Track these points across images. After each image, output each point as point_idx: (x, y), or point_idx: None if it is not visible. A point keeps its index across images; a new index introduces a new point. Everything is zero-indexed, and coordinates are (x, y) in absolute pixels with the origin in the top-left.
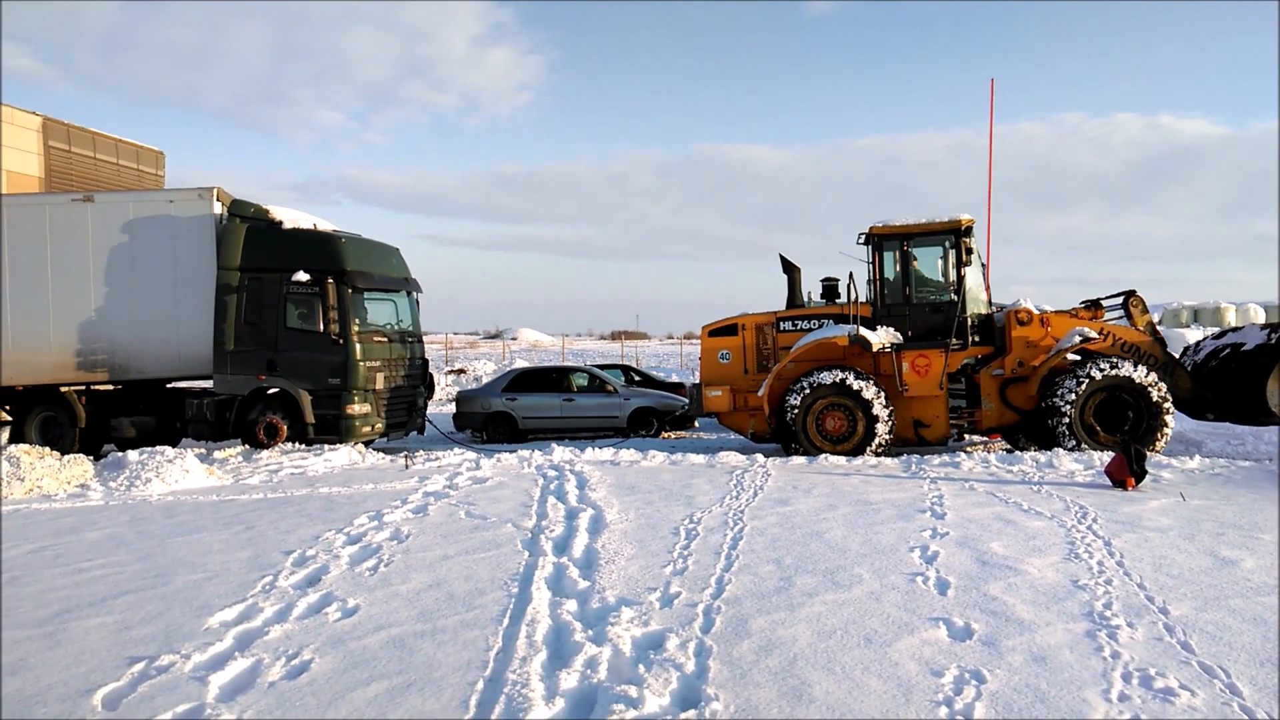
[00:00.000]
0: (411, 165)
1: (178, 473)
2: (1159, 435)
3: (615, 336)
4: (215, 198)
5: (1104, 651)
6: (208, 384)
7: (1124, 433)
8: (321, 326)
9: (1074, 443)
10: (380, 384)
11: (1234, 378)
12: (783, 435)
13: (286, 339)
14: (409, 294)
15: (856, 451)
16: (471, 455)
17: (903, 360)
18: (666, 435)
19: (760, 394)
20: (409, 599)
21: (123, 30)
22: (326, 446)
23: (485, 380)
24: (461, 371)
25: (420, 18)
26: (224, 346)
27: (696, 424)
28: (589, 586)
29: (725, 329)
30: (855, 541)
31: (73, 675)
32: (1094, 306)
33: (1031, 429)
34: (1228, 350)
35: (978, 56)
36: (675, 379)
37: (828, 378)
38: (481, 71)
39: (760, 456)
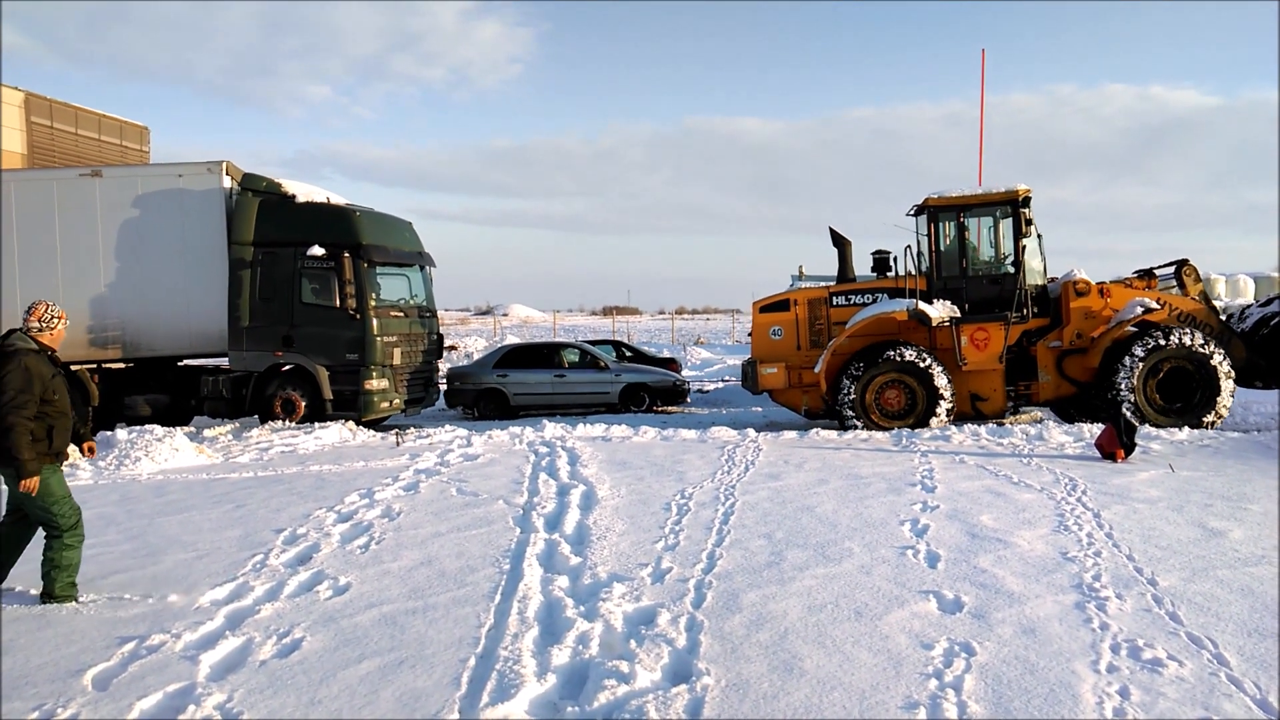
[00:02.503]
0: (401, 139)
1: (167, 451)
2: (1220, 406)
3: (607, 312)
4: (225, 172)
5: (1093, 623)
6: (217, 361)
7: (1185, 404)
8: (338, 301)
9: (1138, 411)
10: (398, 359)
11: None
12: (838, 411)
13: (302, 314)
14: (422, 269)
15: (917, 426)
16: (463, 432)
17: (961, 334)
18: (658, 411)
19: (817, 370)
20: (400, 576)
21: (111, 4)
22: (317, 424)
23: (476, 357)
24: (453, 348)
25: None
26: (239, 322)
27: (689, 399)
28: (581, 563)
29: (777, 304)
30: (846, 515)
31: (63, 655)
32: (1147, 276)
33: (1085, 401)
34: (1278, 319)
35: (968, 27)
36: (667, 354)
37: (887, 353)
38: (470, 44)
39: (752, 431)
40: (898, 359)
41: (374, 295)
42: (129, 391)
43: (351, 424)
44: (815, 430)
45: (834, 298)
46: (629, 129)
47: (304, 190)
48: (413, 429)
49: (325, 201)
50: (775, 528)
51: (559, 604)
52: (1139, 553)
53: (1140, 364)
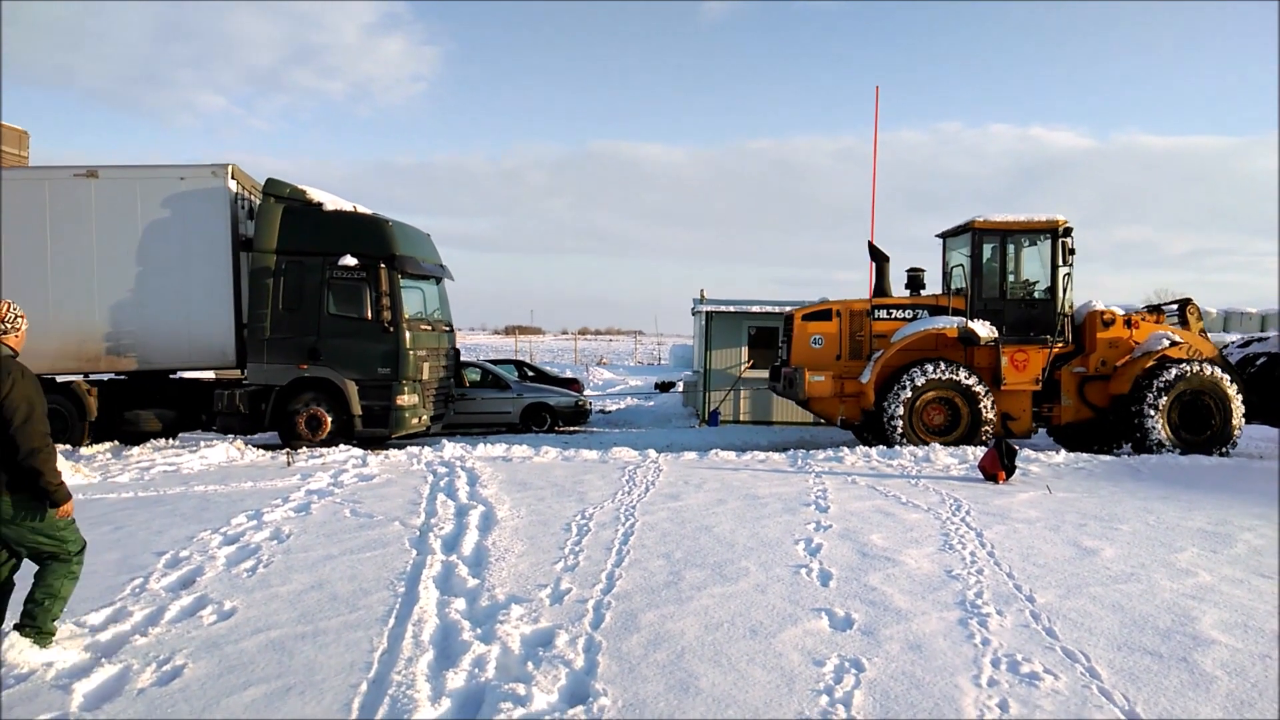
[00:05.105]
0: (298, 153)
1: None
2: (1234, 435)
3: (509, 331)
4: (230, 175)
5: (975, 639)
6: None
7: (1205, 433)
8: (370, 314)
9: (1162, 438)
10: (426, 374)
11: (1278, 384)
12: (880, 424)
13: (330, 326)
14: (439, 281)
15: (959, 443)
16: (358, 451)
17: (1002, 354)
18: (560, 431)
19: (865, 380)
20: (289, 600)
21: None
22: (203, 442)
23: None
24: None
25: (310, 3)
26: (260, 334)
27: (590, 419)
28: (478, 585)
29: (819, 314)
30: (743, 535)
31: None
32: (1156, 311)
33: (1097, 429)
34: (1264, 359)
35: (861, 65)
36: (569, 375)
37: (938, 370)
38: (373, 60)
39: (652, 452)
40: (948, 376)
41: (405, 308)
42: (130, 405)
43: (240, 442)
44: (714, 451)
45: (875, 310)
46: (533, 151)
47: (330, 199)
48: (305, 448)
49: (353, 210)
50: (674, 548)
51: (455, 627)
52: (1018, 571)
53: (1168, 392)
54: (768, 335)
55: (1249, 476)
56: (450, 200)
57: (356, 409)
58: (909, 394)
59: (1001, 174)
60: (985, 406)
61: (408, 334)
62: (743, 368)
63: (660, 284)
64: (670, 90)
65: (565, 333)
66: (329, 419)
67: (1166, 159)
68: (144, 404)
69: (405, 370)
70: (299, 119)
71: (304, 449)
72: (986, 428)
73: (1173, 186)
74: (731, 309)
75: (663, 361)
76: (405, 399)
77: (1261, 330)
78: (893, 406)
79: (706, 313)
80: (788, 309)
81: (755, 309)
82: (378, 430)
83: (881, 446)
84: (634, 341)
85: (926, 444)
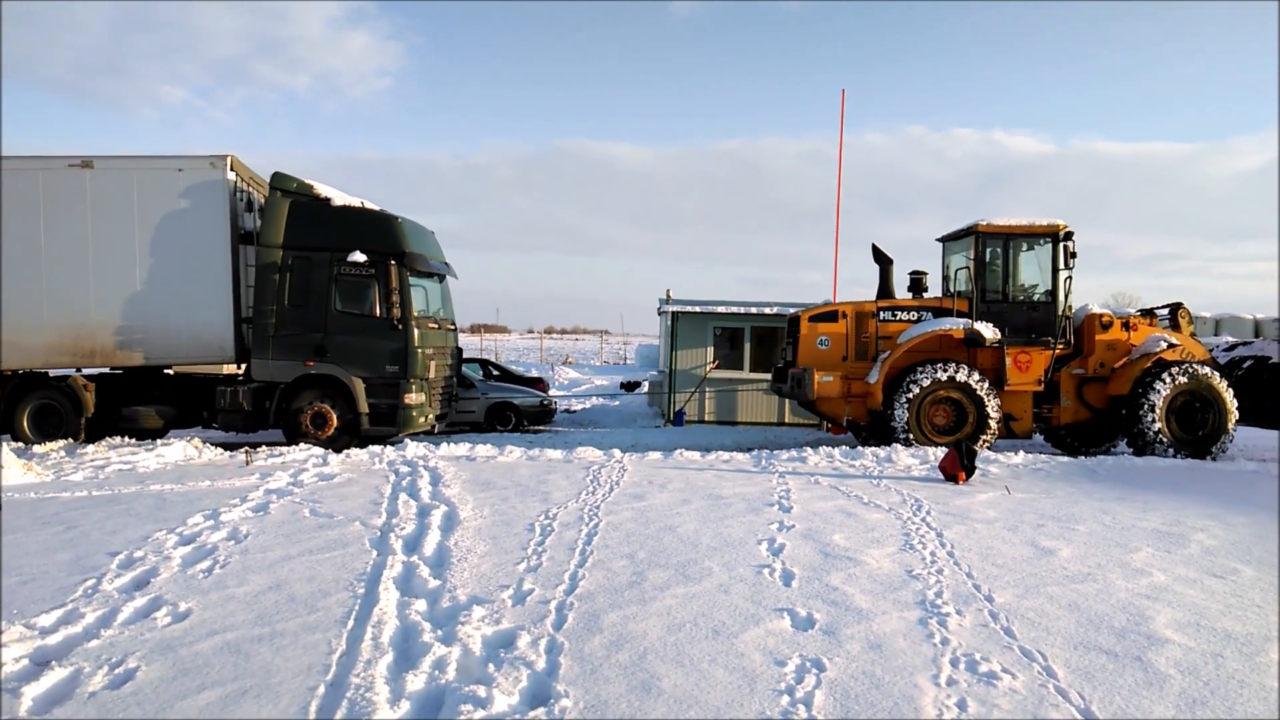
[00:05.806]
0: (262, 146)
1: None
2: (1228, 435)
3: (475, 330)
4: (229, 167)
5: (934, 638)
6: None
7: (1197, 433)
8: (379, 311)
9: (1163, 439)
10: (433, 372)
11: (1266, 387)
12: (880, 425)
13: (337, 323)
14: (441, 279)
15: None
16: (318, 450)
17: (1007, 356)
18: (525, 430)
19: (873, 381)
20: (246, 602)
21: None
22: (159, 441)
23: None
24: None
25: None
26: (265, 330)
27: (555, 419)
28: (440, 585)
29: (826, 315)
30: (707, 535)
31: None
32: (1148, 315)
33: (1094, 430)
34: (1251, 361)
35: (826, 67)
36: (535, 374)
37: (946, 371)
38: (339, 54)
39: (617, 451)
40: (955, 377)
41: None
42: (129, 402)
43: (197, 440)
44: (679, 451)
45: (881, 312)
46: (500, 147)
47: (338, 194)
48: (264, 447)
49: (360, 205)
50: (638, 548)
51: (415, 628)
52: (977, 570)
53: (1166, 393)
54: (733, 335)
55: (1202, 478)
56: (416, 196)
57: (364, 407)
58: (916, 394)
59: (966, 177)
60: (991, 407)
61: (416, 332)
62: (708, 368)
63: (627, 283)
64: (638, 89)
65: (531, 331)
66: (335, 416)
67: (1124, 165)
68: (143, 400)
69: (414, 368)
70: (262, 112)
71: (264, 448)
72: (991, 428)
73: (1130, 192)
74: (697, 309)
75: (628, 361)
76: (413, 397)
77: (1215, 334)
78: (900, 407)
79: (672, 313)
80: (791, 310)
81: (721, 309)
82: (385, 428)
83: (845, 447)
84: (600, 341)
85: (933, 444)
